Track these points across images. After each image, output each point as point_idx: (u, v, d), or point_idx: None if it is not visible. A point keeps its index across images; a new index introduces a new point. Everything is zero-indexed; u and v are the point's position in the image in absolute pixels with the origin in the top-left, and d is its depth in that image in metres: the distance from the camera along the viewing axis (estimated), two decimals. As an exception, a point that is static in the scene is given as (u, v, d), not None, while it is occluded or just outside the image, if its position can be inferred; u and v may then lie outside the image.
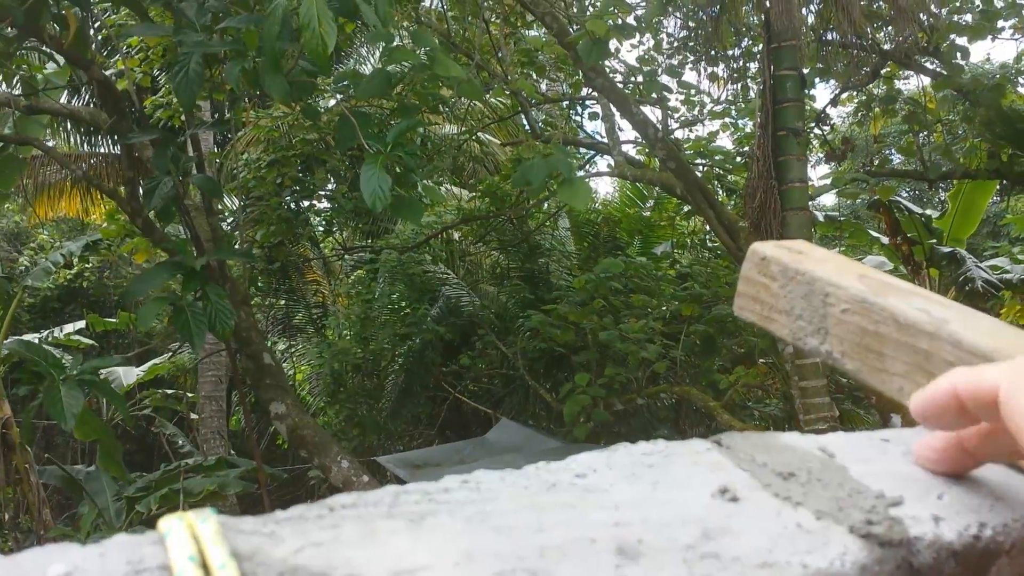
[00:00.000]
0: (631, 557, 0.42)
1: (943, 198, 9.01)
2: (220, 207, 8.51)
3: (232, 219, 9.22)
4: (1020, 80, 6.92)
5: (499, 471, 0.49)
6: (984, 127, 6.01)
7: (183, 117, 5.20)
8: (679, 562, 0.42)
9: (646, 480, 0.50)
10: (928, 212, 8.61)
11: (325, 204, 9.43)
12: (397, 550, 0.40)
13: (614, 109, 6.21)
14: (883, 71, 6.47)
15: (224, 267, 4.45)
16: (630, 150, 7.57)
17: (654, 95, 5.86)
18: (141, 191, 3.96)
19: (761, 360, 7.69)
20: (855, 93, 6.67)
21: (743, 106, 7.22)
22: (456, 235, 10.05)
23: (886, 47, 5.92)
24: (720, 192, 7.81)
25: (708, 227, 6.83)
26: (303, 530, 0.41)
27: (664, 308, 7.68)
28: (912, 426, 0.64)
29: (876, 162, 6.73)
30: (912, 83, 7.87)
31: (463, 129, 8.22)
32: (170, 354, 10.59)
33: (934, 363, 0.60)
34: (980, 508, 0.51)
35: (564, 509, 0.46)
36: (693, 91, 7.13)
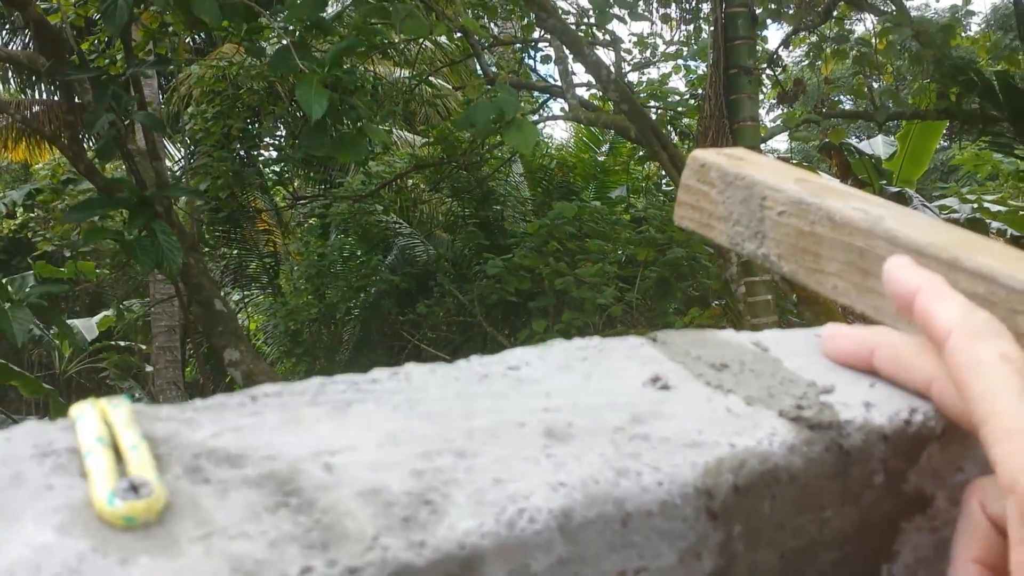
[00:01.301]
0: (560, 439, 0.42)
1: (892, 140, 9.11)
2: (165, 155, 8.33)
3: (178, 169, 9.04)
4: (967, 22, 6.97)
5: (430, 364, 0.48)
6: (933, 68, 6.07)
7: (124, 63, 5.04)
8: (607, 443, 0.42)
9: (579, 371, 0.50)
10: (878, 154, 8.72)
11: (274, 153, 9.28)
12: (320, 433, 0.39)
13: (567, 51, 6.15)
14: (834, 12, 6.47)
15: (171, 212, 4.37)
16: (584, 94, 7.52)
17: (606, 36, 5.81)
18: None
19: (715, 302, 7.78)
20: (807, 34, 6.68)
21: (695, 47, 7.19)
22: (409, 183, 9.96)
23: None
24: (674, 136, 7.81)
25: (662, 170, 6.85)
26: (222, 417, 0.40)
27: (620, 252, 7.71)
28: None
29: (826, 105, 6.77)
30: (864, 25, 7.90)
31: (414, 73, 8.10)
32: (119, 304, 10.43)
33: (868, 260, 0.60)
34: (912, 396, 0.51)
35: (495, 398, 0.45)
36: (647, 28, 7.08)
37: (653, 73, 8.46)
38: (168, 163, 9.98)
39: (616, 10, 5.73)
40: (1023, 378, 0.43)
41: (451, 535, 0.34)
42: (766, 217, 0.66)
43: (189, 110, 8.15)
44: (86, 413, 0.37)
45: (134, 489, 0.32)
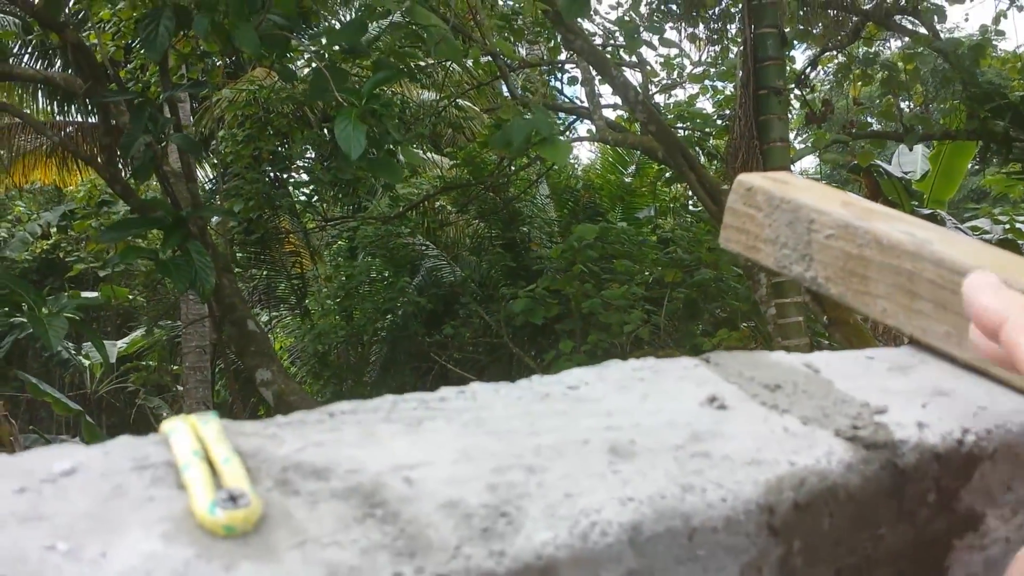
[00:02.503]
0: (624, 456, 0.43)
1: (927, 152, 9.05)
2: (198, 175, 8.43)
3: (210, 190, 9.15)
4: (996, 41, 6.94)
5: (493, 384, 0.50)
6: (962, 89, 6.04)
7: (159, 88, 5.14)
8: (670, 460, 0.43)
9: (636, 391, 0.51)
10: (906, 174, 8.66)
11: (304, 176, 9.37)
12: (397, 449, 0.41)
13: (594, 72, 6.19)
14: (862, 33, 6.47)
15: (205, 233, 4.43)
16: (610, 115, 7.56)
17: (633, 57, 5.84)
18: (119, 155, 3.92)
19: (743, 324, 7.74)
20: (835, 54, 6.68)
21: (722, 68, 7.21)
22: (436, 204, 10.02)
23: (866, 7, 5.92)
24: (701, 157, 7.82)
25: (690, 191, 6.85)
26: (304, 433, 0.42)
27: (647, 273, 7.70)
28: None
29: (856, 126, 6.75)
30: (893, 45, 7.88)
31: (442, 95, 8.17)
32: (152, 325, 10.55)
33: (916, 283, 0.61)
34: (963, 416, 0.52)
35: (557, 416, 0.47)
36: (674, 50, 7.10)
37: (680, 94, 8.49)
38: (200, 179, 10.10)
39: (645, 35, 5.77)
40: None
41: (528, 546, 0.36)
42: (813, 240, 0.67)
43: (220, 133, 8.26)
44: (179, 428, 0.39)
45: (232, 500, 0.34)
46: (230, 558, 0.32)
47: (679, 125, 7.57)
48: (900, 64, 6.50)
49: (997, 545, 0.54)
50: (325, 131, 7.79)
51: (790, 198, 0.69)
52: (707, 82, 7.60)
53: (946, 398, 0.55)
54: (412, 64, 4.58)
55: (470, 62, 7.40)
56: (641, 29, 5.62)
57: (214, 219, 6.41)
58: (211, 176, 10.06)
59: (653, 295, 7.57)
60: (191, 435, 0.39)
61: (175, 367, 10.67)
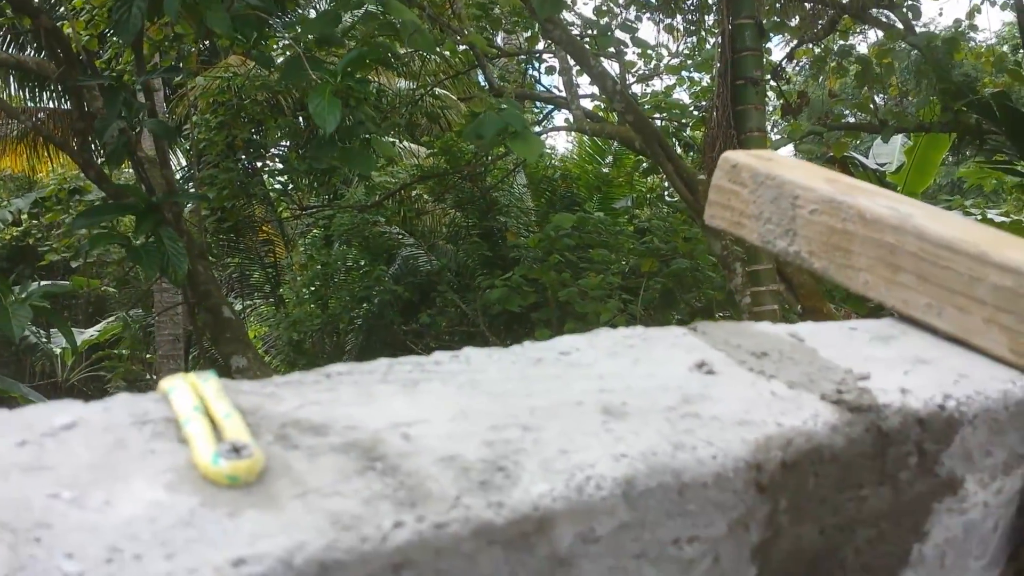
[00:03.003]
0: (616, 416, 0.44)
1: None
2: (172, 161, 8.35)
3: (182, 178, 9.07)
4: (971, 35, 7.01)
5: (486, 349, 0.51)
6: (935, 82, 6.11)
7: (133, 75, 5.09)
8: (662, 420, 0.44)
9: (627, 357, 0.52)
10: (881, 166, 8.75)
11: (279, 164, 9.32)
12: (394, 408, 0.42)
13: (572, 62, 6.19)
14: (838, 25, 6.52)
15: (179, 219, 4.40)
16: (588, 105, 7.56)
17: (611, 48, 5.85)
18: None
19: (719, 313, 7.79)
20: (811, 46, 6.73)
21: (699, 59, 7.24)
22: (412, 193, 9.99)
23: (843, 0, 5.97)
24: (678, 147, 7.85)
25: (667, 182, 6.88)
26: (302, 392, 0.42)
27: (623, 263, 7.73)
28: None
29: (831, 117, 6.81)
30: (871, 38, 7.95)
31: (418, 84, 8.14)
32: (123, 313, 10.45)
33: (899, 256, 0.62)
34: (944, 383, 0.54)
35: (551, 379, 0.48)
36: (647, 48, 7.12)
37: (657, 85, 8.51)
38: (175, 173, 10.01)
39: (619, 34, 5.79)
40: None
41: (526, 498, 0.36)
42: (797, 215, 0.69)
43: (193, 118, 8.19)
44: (178, 386, 0.40)
45: (235, 451, 0.35)
46: (235, 506, 0.33)
47: (656, 115, 7.59)
48: (874, 58, 6.56)
49: (976, 509, 0.55)
50: (300, 119, 7.74)
51: (775, 174, 0.70)
52: (684, 73, 7.63)
53: (927, 366, 0.56)
54: (388, 53, 4.55)
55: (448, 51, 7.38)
56: (616, 23, 5.64)
57: (188, 206, 6.36)
58: (185, 164, 9.97)
59: (630, 284, 7.60)
60: (191, 392, 0.39)
61: (148, 356, 10.59)
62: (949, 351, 0.59)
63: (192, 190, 7.42)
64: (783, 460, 0.44)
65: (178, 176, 9.48)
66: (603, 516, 0.38)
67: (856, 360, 0.56)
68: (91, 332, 11.21)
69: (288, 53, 4.56)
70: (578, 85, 6.96)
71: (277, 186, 9.82)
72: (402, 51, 6.87)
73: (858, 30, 7.28)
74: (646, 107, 7.41)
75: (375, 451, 0.37)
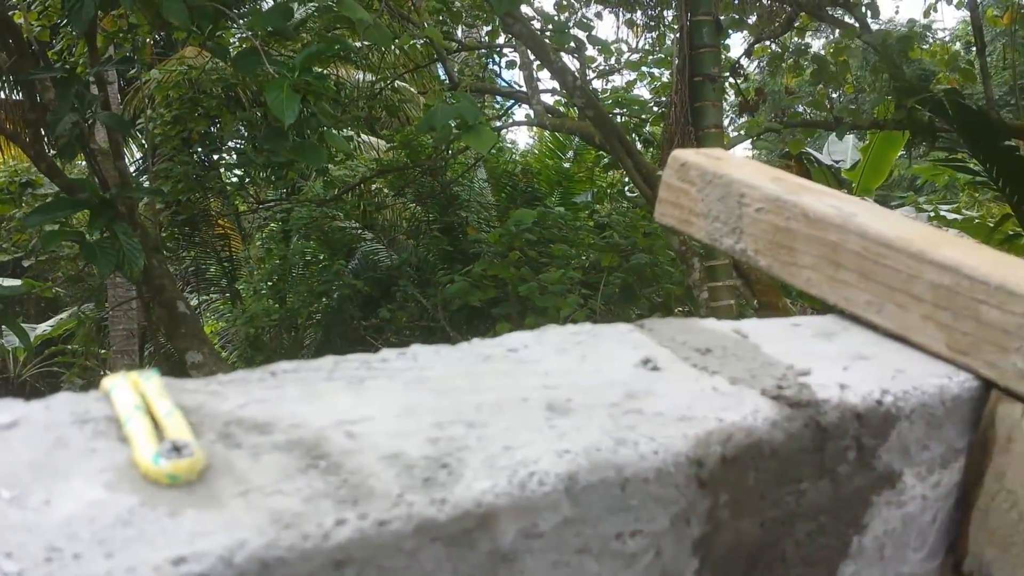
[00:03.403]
0: (561, 412, 0.44)
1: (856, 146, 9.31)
2: (126, 154, 8.23)
3: (136, 171, 8.93)
4: (927, 35, 7.13)
5: (434, 346, 0.51)
6: (890, 80, 6.21)
7: (87, 67, 5.00)
8: (605, 416, 0.45)
9: (575, 354, 0.53)
10: (836, 163, 8.89)
11: (236, 157, 9.20)
12: (339, 405, 0.42)
13: (532, 57, 6.20)
14: (796, 23, 6.60)
15: (134, 213, 4.33)
16: (549, 100, 7.58)
17: (572, 42, 5.87)
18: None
19: (678, 308, 7.86)
20: (768, 44, 6.80)
21: (659, 55, 7.28)
22: (372, 187, 9.94)
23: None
24: (638, 143, 7.89)
25: (627, 177, 6.92)
26: (247, 390, 0.42)
27: (584, 258, 7.76)
28: None
29: (787, 114, 6.89)
30: (828, 36, 8.05)
31: (378, 78, 8.09)
32: (77, 308, 10.27)
33: (841, 254, 0.64)
34: (882, 378, 0.55)
35: (498, 376, 0.48)
36: (607, 46, 7.15)
37: (618, 80, 8.55)
38: (130, 166, 9.85)
39: (576, 31, 5.81)
40: None
41: (468, 494, 0.37)
42: (744, 213, 0.70)
43: (148, 113, 8.07)
44: (119, 384, 0.40)
45: (176, 450, 0.35)
46: (175, 505, 0.33)
47: (617, 111, 7.63)
48: (830, 56, 6.64)
49: (914, 502, 0.57)
50: (258, 113, 7.66)
51: (722, 173, 0.72)
52: (644, 68, 7.67)
53: (867, 362, 0.58)
54: (344, 48, 4.52)
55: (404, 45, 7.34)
56: (575, 19, 5.65)
57: (143, 201, 6.26)
58: (139, 156, 9.82)
59: (590, 279, 7.63)
60: (132, 390, 0.39)
61: (102, 351, 10.42)
62: (888, 347, 0.60)
63: (146, 183, 7.31)
64: (723, 455, 0.45)
65: (132, 169, 9.33)
66: (546, 512, 0.39)
67: (798, 356, 0.57)
68: (44, 327, 11.00)
69: (244, 46, 4.51)
70: (539, 80, 6.97)
71: (234, 179, 9.70)
72: (359, 44, 6.82)
73: (816, 28, 7.37)
74: (607, 102, 7.44)
75: (319, 449, 0.38)
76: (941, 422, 0.56)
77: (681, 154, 0.75)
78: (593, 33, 6.07)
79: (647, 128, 7.83)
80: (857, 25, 6.05)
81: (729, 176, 0.71)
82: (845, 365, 0.56)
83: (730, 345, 0.57)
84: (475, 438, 0.41)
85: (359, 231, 9.80)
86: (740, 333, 0.60)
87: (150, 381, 0.40)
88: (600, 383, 0.49)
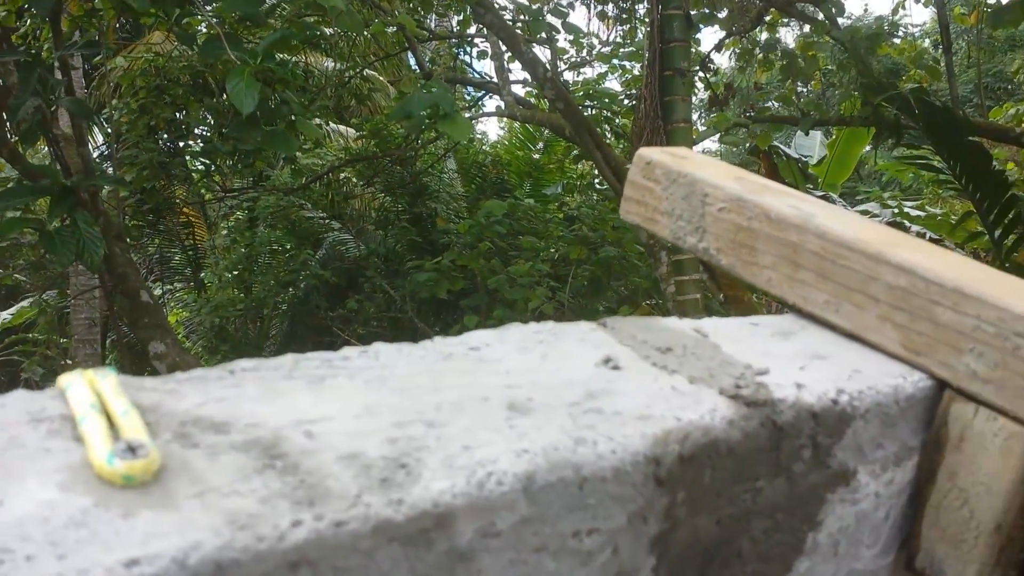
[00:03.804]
0: (521, 412, 0.45)
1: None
2: (90, 141, 8.12)
3: (100, 157, 8.81)
4: (896, 32, 7.21)
5: (396, 344, 0.51)
6: (857, 77, 6.27)
7: (50, 51, 4.92)
8: (565, 415, 0.45)
9: (536, 352, 0.53)
10: (804, 158, 8.97)
11: (202, 145, 9.10)
12: (299, 404, 0.42)
13: (503, 48, 6.19)
14: (766, 18, 6.64)
15: (96, 200, 4.27)
16: (520, 91, 7.57)
17: (543, 33, 5.87)
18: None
19: (645, 301, 7.90)
20: (739, 39, 6.84)
21: (630, 48, 7.30)
22: (341, 176, 9.88)
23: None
24: (609, 136, 7.91)
25: (596, 170, 6.94)
26: (205, 388, 0.42)
27: (552, 250, 7.78)
28: None
29: (755, 109, 6.95)
30: (797, 31, 8.12)
31: (347, 66, 8.04)
32: (38, 296, 10.12)
33: (800, 254, 0.65)
34: (839, 378, 0.56)
35: (459, 375, 0.48)
36: (581, 35, 7.16)
37: (589, 72, 8.57)
38: (94, 152, 9.71)
39: (550, 19, 5.81)
40: None
41: (426, 494, 0.37)
42: (707, 213, 0.70)
43: (113, 102, 7.96)
44: (75, 382, 0.39)
45: (131, 450, 0.34)
46: (129, 506, 0.33)
47: (588, 103, 7.64)
48: (799, 51, 6.69)
49: (868, 499, 0.58)
50: (225, 100, 7.57)
51: (687, 172, 0.72)
52: (615, 61, 7.68)
53: (823, 361, 0.59)
54: (314, 33, 4.48)
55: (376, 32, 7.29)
56: (547, 8, 5.65)
57: (106, 188, 6.18)
58: (103, 143, 9.67)
59: (559, 272, 7.65)
60: (88, 389, 0.39)
61: (64, 340, 10.27)
62: (845, 347, 0.61)
63: (110, 170, 7.20)
64: (681, 454, 0.46)
65: (96, 155, 9.19)
66: (504, 511, 0.39)
67: (756, 355, 0.58)
68: (4, 315, 10.83)
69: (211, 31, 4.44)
70: (510, 71, 6.97)
71: (200, 167, 9.59)
72: (329, 31, 6.77)
73: (786, 23, 7.43)
74: (578, 95, 7.45)
75: (276, 449, 0.38)
76: (895, 421, 0.57)
77: (646, 152, 0.75)
78: (567, 20, 6.07)
79: (618, 121, 7.85)
80: (826, 21, 6.10)
81: (693, 175, 0.71)
82: (802, 364, 0.57)
83: (690, 344, 0.57)
84: (434, 438, 0.41)
85: (327, 221, 9.74)
86: (700, 332, 0.60)
87: (106, 379, 0.40)
88: (561, 382, 0.49)
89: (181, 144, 8.81)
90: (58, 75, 4.41)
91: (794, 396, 0.52)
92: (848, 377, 0.56)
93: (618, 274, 7.84)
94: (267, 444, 0.38)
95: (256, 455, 0.37)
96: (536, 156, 9.91)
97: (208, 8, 3.89)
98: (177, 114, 7.80)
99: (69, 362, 9.98)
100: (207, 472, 0.35)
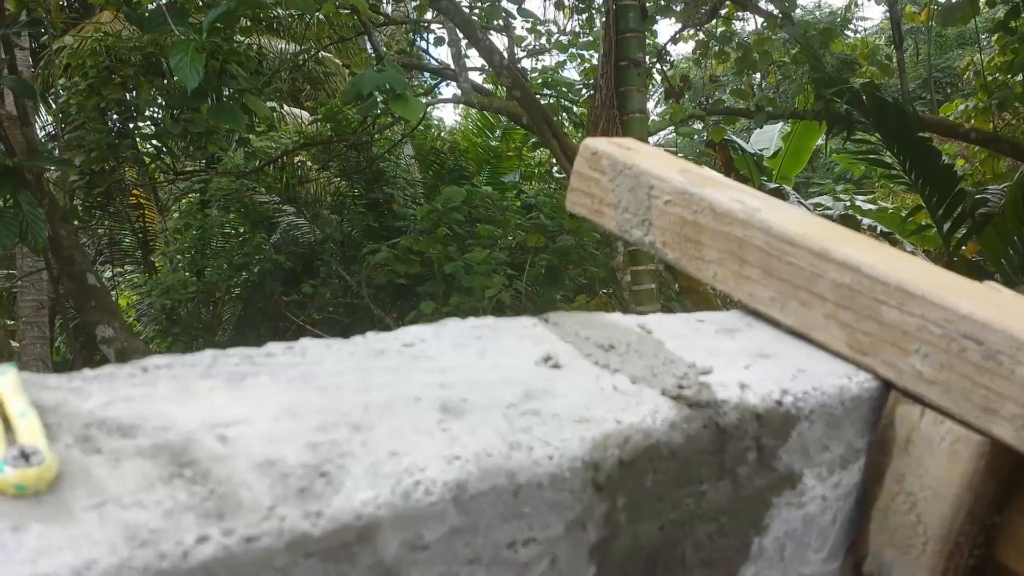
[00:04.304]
0: (455, 414, 0.43)
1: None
2: (37, 121, 7.92)
3: (46, 138, 8.59)
4: (849, 28, 7.28)
5: (326, 340, 0.49)
6: (810, 71, 6.33)
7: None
8: (500, 418, 0.43)
9: (473, 349, 0.51)
10: (760, 151, 9.04)
11: (152, 128, 8.90)
12: (214, 405, 0.39)
13: (460, 34, 6.14)
14: (722, 11, 6.67)
15: (41, 181, 4.16)
16: (477, 78, 7.52)
17: (499, 20, 5.82)
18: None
19: (602, 290, 7.92)
20: (694, 31, 6.86)
21: (589, 38, 7.29)
22: (296, 160, 9.75)
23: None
24: (567, 125, 7.90)
25: (554, 158, 6.92)
26: (113, 386, 0.39)
27: (510, 238, 7.76)
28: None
29: (710, 102, 6.98)
30: (752, 24, 8.17)
31: (301, 48, 7.92)
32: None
33: (746, 250, 0.63)
34: (783, 378, 0.55)
35: (390, 373, 0.46)
36: (538, 22, 7.13)
37: (547, 60, 8.53)
38: (40, 133, 9.47)
39: (507, 5, 5.77)
40: None
41: (347, 506, 0.35)
42: (653, 206, 0.69)
43: (62, 81, 7.75)
44: (-31, 382, 0.36)
45: (24, 457, 0.32)
46: (19, 518, 0.30)
47: (545, 91, 7.61)
48: (753, 45, 6.73)
49: (814, 503, 0.57)
50: (176, 80, 7.41)
51: (632, 164, 0.70)
52: (573, 50, 7.66)
53: (768, 360, 0.57)
54: (265, 7, 4.40)
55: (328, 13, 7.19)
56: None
57: (53, 170, 6.03)
58: (51, 122, 9.43)
59: (516, 260, 7.63)
60: (-17, 389, 0.36)
61: (11, 322, 10.02)
62: (790, 345, 0.60)
63: (57, 152, 7.02)
64: (620, 458, 0.44)
65: (44, 135, 8.96)
66: (432, 522, 0.37)
67: (700, 353, 0.56)
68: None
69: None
70: (467, 57, 6.91)
71: (151, 149, 9.39)
72: (281, 13, 6.66)
73: (742, 17, 7.47)
74: (536, 83, 7.42)
75: (186, 455, 0.35)
76: (841, 422, 0.56)
77: (593, 143, 0.74)
78: (522, 7, 6.03)
79: (576, 109, 7.84)
80: (780, 15, 6.14)
81: (639, 167, 0.70)
82: (747, 363, 0.56)
83: (633, 341, 0.56)
84: (360, 443, 0.38)
85: (281, 205, 9.61)
86: (644, 328, 0.59)
87: (5, 376, 0.37)
88: (498, 381, 0.47)
89: (131, 126, 8.62)
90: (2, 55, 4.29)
91: (738, 397, 0.51)
92: (792, 377, 0.55)
93: (575, 263, 7.85)
94: (176, 450, 0.35)
95: (163, 462, 0.34)
96: (494, 143, 9.87)
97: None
98: (127, 95, 7.63)
99: (16, 344, 9.74)
100: (108, 481, 0.33)
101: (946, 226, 5.91)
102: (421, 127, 8.46)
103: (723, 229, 0.64)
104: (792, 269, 0.60)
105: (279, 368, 0.44)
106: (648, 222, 0.69)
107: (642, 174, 0.69)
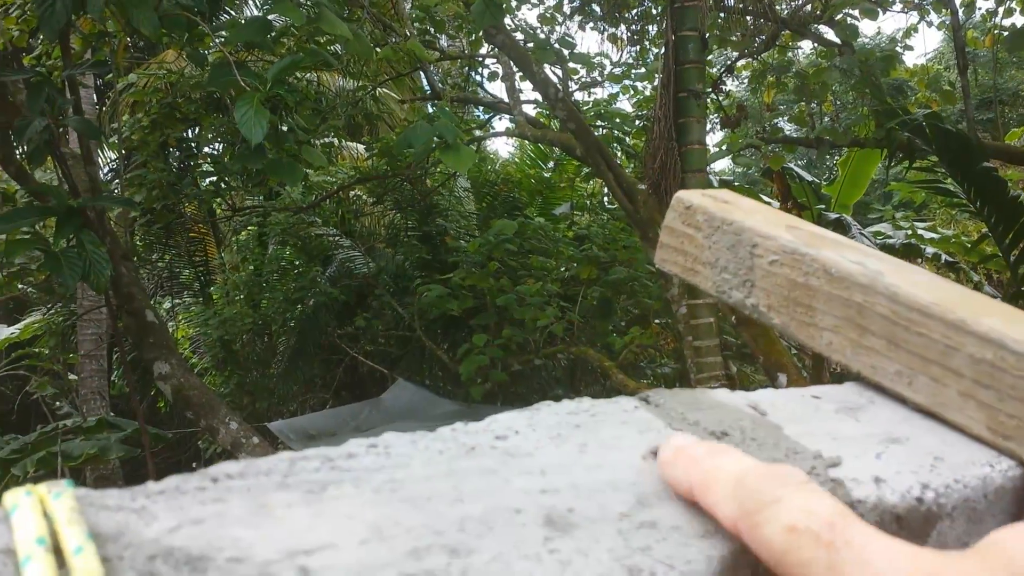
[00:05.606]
0: (561, 528, 0.37)
1: (834, 164, 9.33)
2: (100, 161, 8.11)
3: (108, 175, 8.79)
4: (906, 53, 7.14)
5: (410, 434, 0.44)
6: (870, 98, 6.21)
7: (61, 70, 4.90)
8: (614, 533, 0.38)
9: (573, 442, 0.46)
10: (817, 180, 8.89)
11: (212, 163, 9.07)
12: (293, 527, 0.34)
13: (514, 68, 6.14)
14: (779, 40, 6.59)
15: (103, 219, 4.22)
16: (530, 110, 7.53)
17: (553, 59, 5.82)
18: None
19: (656, 321, 7.82)
20: (751, 61, 6.79)
21: (642, 70, 7.25)
22: (351, 194, 9.84)
23: (783, 15, 6.02)
24: (620, 155, 7.86)
25: (607, 189, 6.88)
26: (180, 505, 0.35)
27: (563, 269, 7.71)
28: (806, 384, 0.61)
29: (768, 130, 6.88)
30: (807, 52, 8.07)
31: (358, 86, 8.01)
32: (45, 310, 10.08)
33: (867, 317, 0.57)
34: (920, 468, 0.48)
35: (485, 476, 0.41)
36: (589, 61, 7.11)
37: (600, 93, 8.52)
38: (105, 169, 9.71)
39: (557, 47, 5.77)
40: (819, 547, 0.37)
41: (451, 657, 0.30)
42: (756, 265, 0.63)
43: (125, 118, 7.94)
44: (23, 504, 0.32)
45: (79, 611, 0.27)
46: None
47: (599, 123, 7.59)
48: (811, 74, 6.64)
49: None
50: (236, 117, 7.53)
51: (732, 219, 0.65)
52: (627, 82, 7.63)
53: (900, 446, 0.51)
54: (325, 58, 4.45)
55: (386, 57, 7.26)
56: (559, 31, 5.61)
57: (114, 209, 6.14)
58: (114, 158, 9.66)
59: (568, 292, 7.57)
60: (37, 513, 0.32)
61: (70, 355, 10.22)
62: (922, 426, 0.54)
63: (118, 189, 7.17)
64: (752, 579, 0.38)
65: (105, 170, 9.18)
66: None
67: (823, 438, 0.50)
68: (12, 330, 10.78)
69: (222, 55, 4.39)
70: (520, 91, 6.92)
71: (209, 184, 9.57)
72: (339, 51, 6.74)
73: (799, 46, 7.39)
74: (589, 115, 7.40)
75: (265, 595, 0.30)
76: (982, 517, 0.50)
77: (686, 196, 0.68)
78: (576, 50, 6.04)
79: (629, 140, 7.79)
80: (840, 43, 6.04)
81: (740, 223, 0.64)
82: (878, 451, 0.50)
83: (748, 426, 0.50)
84: (459, 571, 0.33)
85: (337, 238, 9.70)
86: (758, 410, 0.53)
87: (60, 499, 0.32)
88: (604, 483, 0.42)
89: (191, 163, 8.80)
90: (67, 94, 4.38)
91: (875, 496, 0.45)
92: (931, 468, 0.49)
93: (628, 294, 7.76)
94: (253, 588, 0.30)
95: (239, 605, 0.30)
96: (547, 175, 9.86)
97: (216, 36, 3.85)
98: (188, 131, 7.78)
99: (75, 377, 9.92)
100: (176, 633, 0.28)
101: (1013, 256, 5.72)
102: (463, 172, 8.49)
103: (840, 294, 0.57)
104: (923, 341, 0.54)
105: (363, 474, 0.39)
106: (751, 283, 0.63)
107: (744, 231, 0.63)
